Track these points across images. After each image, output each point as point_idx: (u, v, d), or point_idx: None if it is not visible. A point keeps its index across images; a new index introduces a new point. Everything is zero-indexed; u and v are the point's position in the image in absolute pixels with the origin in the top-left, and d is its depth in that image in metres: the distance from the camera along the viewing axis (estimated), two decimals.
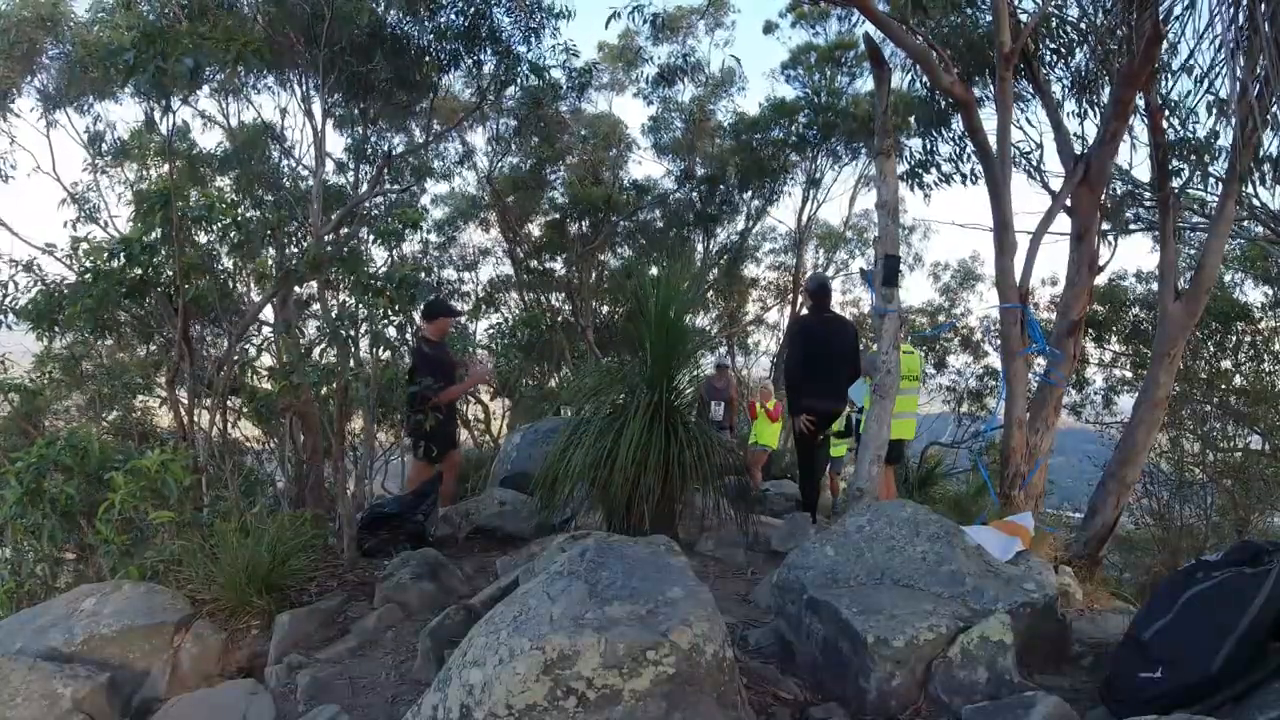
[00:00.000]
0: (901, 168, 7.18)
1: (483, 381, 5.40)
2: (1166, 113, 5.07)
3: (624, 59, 12.90)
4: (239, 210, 4.46)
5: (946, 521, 3.10)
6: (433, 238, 13.59)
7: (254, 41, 3.85)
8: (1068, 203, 4.85)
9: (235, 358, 4.70)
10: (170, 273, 4.09)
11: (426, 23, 8.21)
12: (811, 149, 12.69)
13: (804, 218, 14.44)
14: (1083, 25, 5.71)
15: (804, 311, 6.33)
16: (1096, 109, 5.83)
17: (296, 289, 8.24)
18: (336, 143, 25.47)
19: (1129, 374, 10.57)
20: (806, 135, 12.21)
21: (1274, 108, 3.62)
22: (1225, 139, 4.97)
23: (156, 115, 8.13)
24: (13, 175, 10.03)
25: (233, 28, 3.78)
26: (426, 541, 4.22)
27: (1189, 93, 4.35)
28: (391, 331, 4.18)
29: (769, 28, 13.33)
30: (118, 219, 10.29)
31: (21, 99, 9.95)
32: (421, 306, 5.27)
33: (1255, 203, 6.43)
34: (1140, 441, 4.57)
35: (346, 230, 9.62)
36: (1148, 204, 6.93)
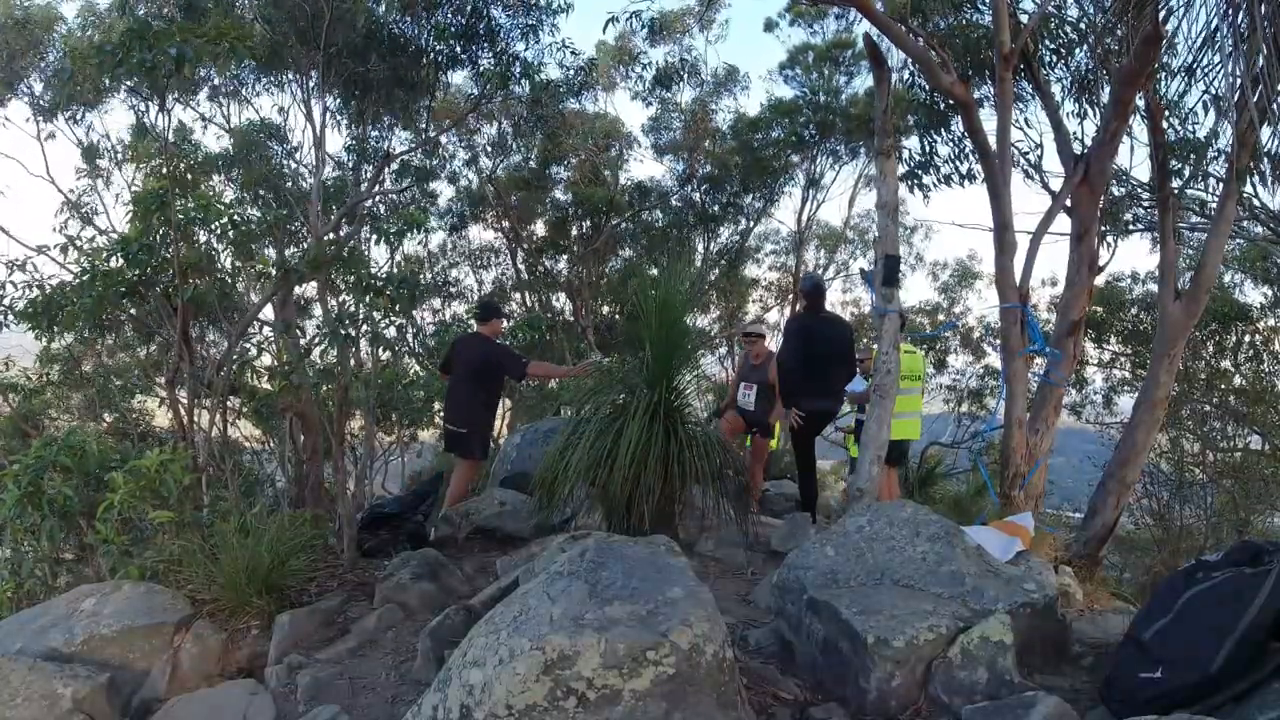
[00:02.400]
0: (901, 169, 7.17)
1: (586, 372, 6.20)
2: (1166, 113, 5.07)
3: (620, 58, 12.87)
4: (234, 211, 4.46)
5: (946, 522, 3.10)
6: (437, 238, 13.61)
7: (242, 33, 3.83)
8: (1068, 203, 4.85)
9: (235, 358, 4.70)
10: (170, 272, 4.10)
11: (424, 22, 8.20)
12: (811, 149, 12.68)
13: (804, 218, 14.45)
14: (1082, 25, 5.71)
15: (801, 311, 6.31)
16: (1096, 109, 5.82)
17: (296, 289, 8.24)
18: (337, 142, 25.52)
19: (1129, 374, 10.56)
20: (804, 135, 12.20)
21: (1272, 105, 3.62)
22: (1225, 139, 4.97)
23: (150, 116, 8.11)
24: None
25: (225, 26, 3.76)
26: (426, 541, 4.22)
27: (1186, 92, 4.35)
28: (391, 331, 4.19)
29: (769, 25, 13.36)
30: (115, 219, 10.30)
31: (14, 105, 9.96)
32: (478, 310, 5.61)
33: (1255, 203, 6.43)
34: (1140, 442, 4.57)
35: (347, 230, 9.61)
36: (1147, 204, 6.93)
